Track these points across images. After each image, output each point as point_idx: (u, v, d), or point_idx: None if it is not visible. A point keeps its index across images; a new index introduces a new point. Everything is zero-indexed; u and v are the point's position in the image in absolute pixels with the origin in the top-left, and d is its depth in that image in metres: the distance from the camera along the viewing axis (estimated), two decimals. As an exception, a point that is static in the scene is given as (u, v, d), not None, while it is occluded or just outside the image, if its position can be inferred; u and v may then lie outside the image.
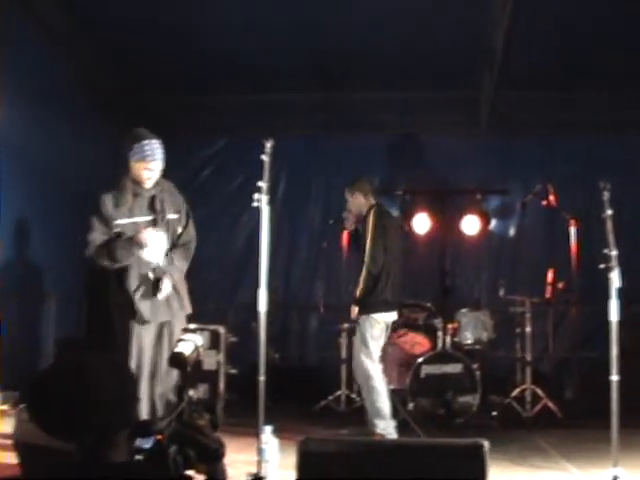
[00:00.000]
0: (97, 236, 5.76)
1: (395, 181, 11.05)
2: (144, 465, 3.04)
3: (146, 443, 3.90)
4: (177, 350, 5.13)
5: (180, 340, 5.19)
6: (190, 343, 5.25)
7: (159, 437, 3.96)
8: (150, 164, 5.76)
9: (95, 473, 2.52)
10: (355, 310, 7.24)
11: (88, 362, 2.64)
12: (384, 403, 7.08)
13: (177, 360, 5.02)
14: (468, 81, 10.33)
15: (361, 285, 7.19)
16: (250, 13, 8.68)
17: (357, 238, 7.66)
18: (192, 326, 5.98)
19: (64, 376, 2.59)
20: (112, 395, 2.58)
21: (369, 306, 7.14)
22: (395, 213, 10.60)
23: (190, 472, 3.97)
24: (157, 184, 5.90)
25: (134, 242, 5.69)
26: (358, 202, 7.55)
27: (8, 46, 7.75)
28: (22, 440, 4.51)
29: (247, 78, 10.28)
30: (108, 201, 5.79)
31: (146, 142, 5.76)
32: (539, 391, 8.42)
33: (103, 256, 5.73)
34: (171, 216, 5.95)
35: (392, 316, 7.39)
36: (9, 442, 4.91)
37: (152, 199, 5.89)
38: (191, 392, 5.08)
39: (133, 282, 5.77)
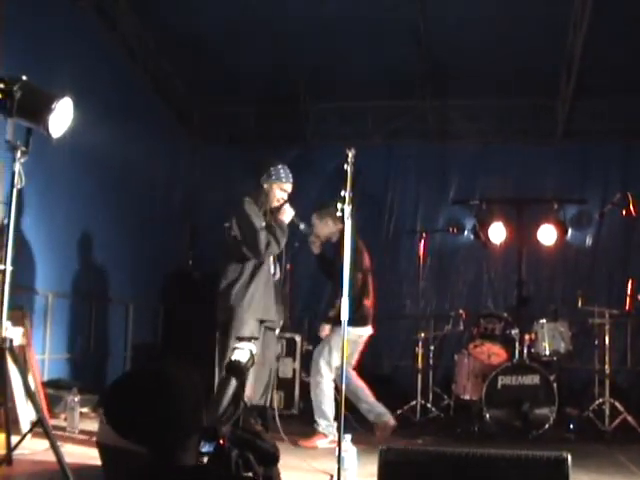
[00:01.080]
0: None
1: (470, 190, 11.12)
2: (210, 468, 3.14)
3: (209, 447, 4.02)
4: (234, 358, 5.27)
5: (235, 348, 5.34)
6: (246, 351, 5.39)
7: (221, 441, 4.07)
8: (285, 185, 6.75)
9: (169, 476, 2.63)
10: (326, 328, 7.59)
11: (168, 369, 2.76)
12: (329, 405, 7.34)
13: (234, 368, 5.15)
14: (545, 88, 10.37)
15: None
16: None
17: (324, 262, 7.85)
18: (247, 334, 6.26)
19: (145, 382, 2.70)
20: (191, 402, 2.69)
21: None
22: (470, 222, 10.69)
23: (249, 474, 4.07)
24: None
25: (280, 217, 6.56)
26: (327, 227, 7.72)
27: (90, 59, 8.15)
28: (103, 442, 4.66)
29: (323, 84, 10.57)
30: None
31: (280, 166, 6.80)
32: (618, 405, 8.29)
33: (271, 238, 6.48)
34: None
35: (367, 330, 7.74)
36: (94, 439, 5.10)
37: None
38: (246, 399, 5.21)
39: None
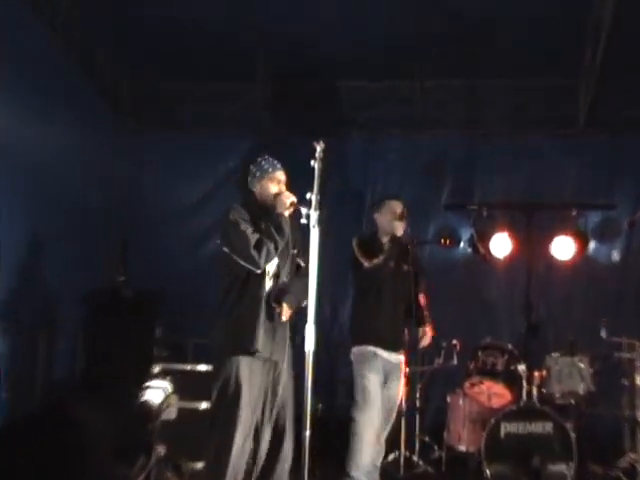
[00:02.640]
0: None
1: (468, 192, 11.08)
2: None
3: None
4: (144, 399, 5.09)
5: (147, 387, 5.16)
6: (159, 391, 5.22)
7: None
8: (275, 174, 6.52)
9: None
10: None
11: (66, 412, 2.61)
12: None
13: (144, 410, 4.99)
14: (564, 67, 10.29)
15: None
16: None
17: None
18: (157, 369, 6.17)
19: (34, 430, 2.57)
20: (97, 454, 2.62)
21: None
22: (467, 232, 10.69)
23: None
24: None
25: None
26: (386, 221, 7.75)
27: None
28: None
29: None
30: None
31: (261, 159, 6.60)
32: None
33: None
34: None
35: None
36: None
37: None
38: (159, 448, 5.04)
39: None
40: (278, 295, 6.12)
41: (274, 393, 6.14)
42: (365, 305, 7.43)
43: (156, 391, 5.22)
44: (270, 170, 6.48)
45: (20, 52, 8.41)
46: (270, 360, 6.14)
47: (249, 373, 6.03)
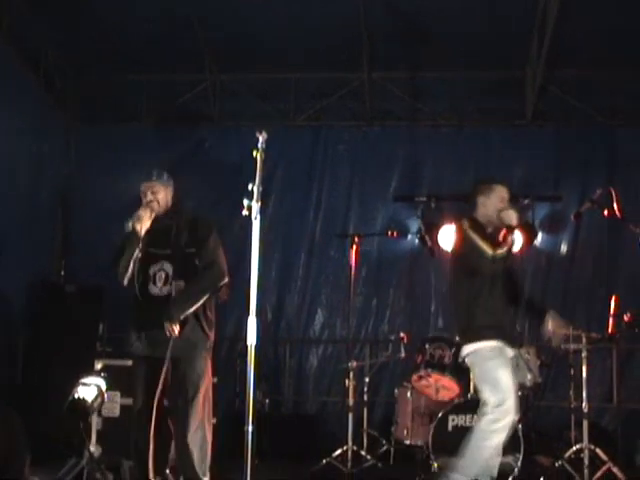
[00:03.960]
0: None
1: (416, 184, 11.11)
2: None
3: None
4: (76, 396, 5.06)
5: (81, 384, 5.13)
6: (92, 387, 5.19)
7: None
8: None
9: None
10: None
11: None
12: None
13: (76, 407, 4.96)
14: (510, 59, 10.37)
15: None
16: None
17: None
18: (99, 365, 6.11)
19: None
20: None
21: None
22: (415, 224, 10.73)
23: None
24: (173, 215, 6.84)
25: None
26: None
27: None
28: None
29: (234, 51, 10.39)
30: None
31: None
32: (600, 452, 8.21)
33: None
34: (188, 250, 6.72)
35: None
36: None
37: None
38: (92, 448, 5.01)
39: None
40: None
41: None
42: (489, 297, 6.79)
43: (89, 388, 5.15)
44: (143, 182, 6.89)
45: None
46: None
47: None
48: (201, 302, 6.49)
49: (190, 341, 6.39)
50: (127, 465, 5.37)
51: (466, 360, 6.80)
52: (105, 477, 4.71)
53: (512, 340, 6.86)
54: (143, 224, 6.57)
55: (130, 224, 6.56)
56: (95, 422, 5.75)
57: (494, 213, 6.80)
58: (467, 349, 6.73)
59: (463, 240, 6.75)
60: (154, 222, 6.74)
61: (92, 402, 5.08)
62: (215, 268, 6.63)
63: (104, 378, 5.58)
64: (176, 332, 6.31)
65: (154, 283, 6.61)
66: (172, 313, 6.37)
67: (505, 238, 6.62)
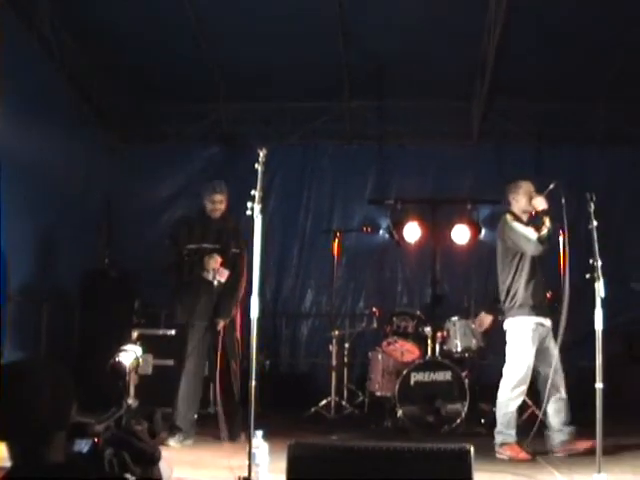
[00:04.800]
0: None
1: (386, 190, 11.19)
2: (80, 466, 3.11)
3: (85, 445, 3.97)
4: (117, 359, 5.24)
5: (121, 350, 5.30)
6: (131, 353, 5.36)
7: (96, 440, 4.04)
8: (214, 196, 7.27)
9: (32, 473, 2.61)
10: None
11: (27, 365, 2.73)
12: None
13: (116, 369, 5.11)
14: (460, 91, 10.50)
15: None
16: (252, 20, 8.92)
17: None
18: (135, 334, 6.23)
19: (2, 378, 2.68)
20: (48, 396, 2.67)
21: None
22: (385, 222, 10.84)
23: (127, 475, 4.06)
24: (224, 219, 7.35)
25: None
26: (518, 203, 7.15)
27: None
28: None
29: (243, 85, 10.50)
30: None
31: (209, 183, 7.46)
32: (526, 399, 8.46)
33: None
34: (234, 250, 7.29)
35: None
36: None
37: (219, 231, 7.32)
38: (130, 400, 5.16)
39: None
40: None
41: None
42: (532, 275, 6.80)
43: (128, 353, 5.25)
44: (208, 192, 7.31)
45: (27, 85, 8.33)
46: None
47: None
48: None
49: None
50: (159, 414, 5.42)
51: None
52: (140, 423, 4.81)
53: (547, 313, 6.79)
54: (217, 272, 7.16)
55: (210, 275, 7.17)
56: (133, 380, 5.84)
57: (526, 204, 6.85)
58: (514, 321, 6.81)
59: (509, 231, 6.75)
60: (211, 222, 7.31)
61: (129, 365, 5.20)
62: (243, 278, 7.22)
63: (140, 345, 5.69)
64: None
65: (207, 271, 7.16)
66: (225, 316, 7.15)
67: (543, 222, 6.63)
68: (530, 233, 6.64)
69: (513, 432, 6.75)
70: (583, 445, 6.54)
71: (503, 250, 6.92)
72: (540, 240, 6.58)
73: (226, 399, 7.32)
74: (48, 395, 2.67)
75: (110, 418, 4.70)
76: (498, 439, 6.77)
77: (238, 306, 7.34)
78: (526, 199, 6.86)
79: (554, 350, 6.72)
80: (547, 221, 6.62)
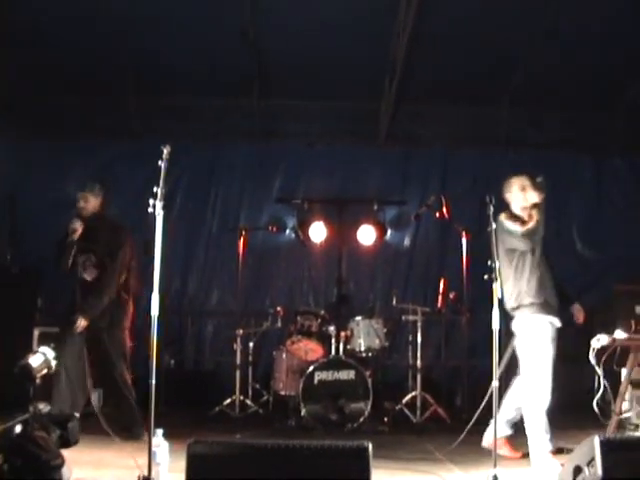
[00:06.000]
0: None
1: (293, 189, 11.19)
2: None
3: None
4: (25, 362, 5.14)
5: (31, 352, 5.21)
6: (39, 355, 5.26)
7: None
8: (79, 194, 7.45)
9: None
10: None
11: None
12: None
13: (24, 372, 5.03)
14: (369, 93, 10.51)
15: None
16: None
17: None
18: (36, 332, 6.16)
19: None
20: None
21: None
22: (292, 221, 10.86)
23: None
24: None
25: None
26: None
27: None
28: None
29: (152, 81, 10.33)
30: None
31: None
32: (429, 397, 8.67)
33: None
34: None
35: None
36: None
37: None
38: (41, 405, 5.05)
39: None
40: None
41: None
42: (534, 273, 6.39)
43: (37, 355, 5.16)
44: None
45: None
46: None
47: None
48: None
49: None
50: (76, 421, 5.26)
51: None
52: (48, 430, 4.68)
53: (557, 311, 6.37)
54: (76, 234, 7.21)
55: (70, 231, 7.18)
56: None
57: (522, 201, 6.46)
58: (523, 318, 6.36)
59: (502, 231, 6.31)
60: (85, 222, 7.31)
61: (37, 367, 5.07)
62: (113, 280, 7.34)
63: (52, 348, 5.54)
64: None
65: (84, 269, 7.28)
66: (84, 313, 7.21)
67: (530, 216, 6.34)
68: (515, 228, 6.34)
69: (549, 436, 6.21)
70: (511, 453, 6.59)
71: (503, 252, 6.39)
72: (524, 234, 6.29)
73: (109, 399, 7.60)
74: None
75: (11, 423, 4.58)
76: (543, 447, 6.16)
77: (124, 307, 7.44)
78: (522, 195, 6.50)
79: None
80: (534, 214, 6.35)
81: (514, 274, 6.39)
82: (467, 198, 10.23)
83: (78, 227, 7.28)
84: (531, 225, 6.31)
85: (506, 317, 5.81)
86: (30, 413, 4.65)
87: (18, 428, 4.41)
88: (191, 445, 4.09)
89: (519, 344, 6.38)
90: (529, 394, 6.26)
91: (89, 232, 7.36)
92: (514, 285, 6.38)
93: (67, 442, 4.57)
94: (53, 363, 5.38)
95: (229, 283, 10.70)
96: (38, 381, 5.18)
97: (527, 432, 6.24)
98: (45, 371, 5.33)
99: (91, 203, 7.44)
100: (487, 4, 8.45)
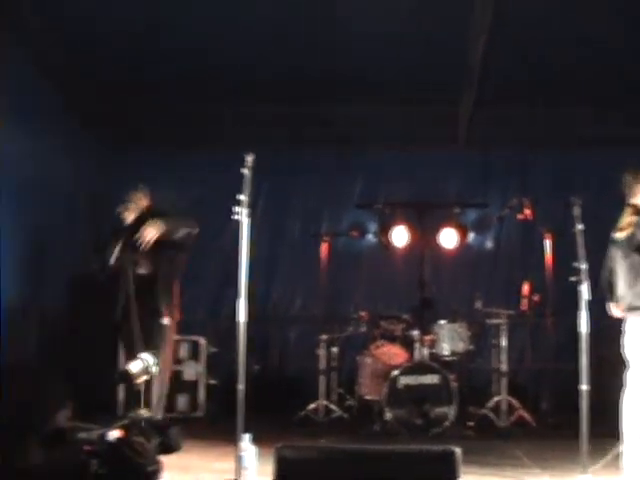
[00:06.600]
0: None
1: (375, 195, 11.18)
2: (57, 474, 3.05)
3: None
4: (125, 367, 5.22)
5: (135, 358, 5.29)
6: (139, 361, 5.33)
7: (87, 448, 4.00)
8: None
9: (8, 473, 2.58)
10: None
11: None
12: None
13: (124, 377, 5.11)
14: (448, 98, 10.45)
15: None
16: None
17: None
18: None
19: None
20: (24, 397, 2.65)
21: None
22: (373, 226, 10.88)
23: None
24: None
25: None
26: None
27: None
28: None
29: (230, 90, 10.38)
30: None
31: None
32: (514, 401, 8.56)
33: None
34: None
35: None
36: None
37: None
38: (143, 411, 5.10)
39: None
40: None
41: None
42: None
43: (137, 361, 5.23)
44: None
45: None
46: None
47: None
48: None
49: None
50: (176, 428, 5.24)
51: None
52: (148, 436, 4.70)
53: None
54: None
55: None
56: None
57: None
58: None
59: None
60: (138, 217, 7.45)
61: (136, 373, 5.15)
62: None
63: (153, 354, 5.61)
64: None
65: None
66: None
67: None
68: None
69: None
70: None
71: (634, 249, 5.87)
72: (613, 240, 5.95)
73: None
74: (22, 394, 2.66)
75: (107, 429, 4.62)
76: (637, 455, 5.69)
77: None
78: None
79: None
80: (630, 218, 5.89)
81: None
82: (548, 199, 10.05)
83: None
84: (622, 233, 5.92)
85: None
86: (129, 419, 4.70)
87: (115, 433, 4.46)
88: (279, 449, 4.13)
89: (626, 345, 5.92)
90: (631, 396, 5.81)
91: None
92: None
93: (169, 448, 4.62)
94: (154, 369, 5.45)
95: (312, 289, 10.66)
96: (138, 387, 5.28)
97: (622, 437, 5.79)
98: (145, 377, 5.42)
99: (142, 202, 7.57)
100: (565, 4, 8.31)
